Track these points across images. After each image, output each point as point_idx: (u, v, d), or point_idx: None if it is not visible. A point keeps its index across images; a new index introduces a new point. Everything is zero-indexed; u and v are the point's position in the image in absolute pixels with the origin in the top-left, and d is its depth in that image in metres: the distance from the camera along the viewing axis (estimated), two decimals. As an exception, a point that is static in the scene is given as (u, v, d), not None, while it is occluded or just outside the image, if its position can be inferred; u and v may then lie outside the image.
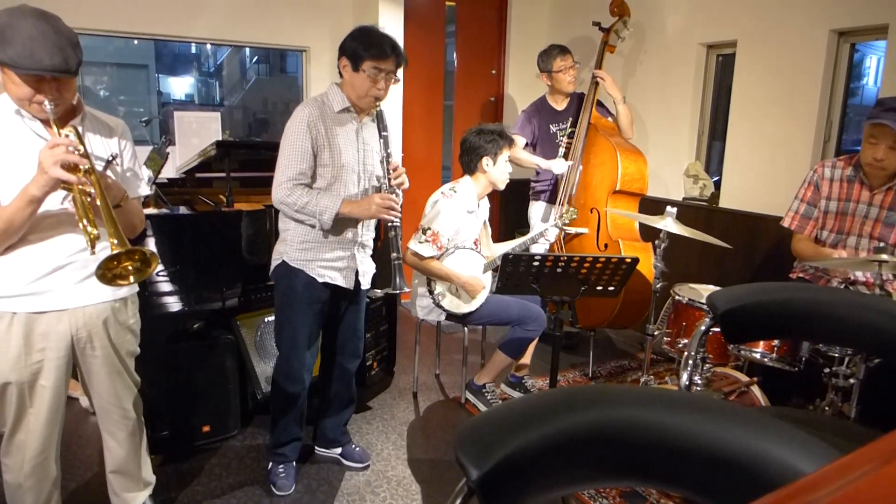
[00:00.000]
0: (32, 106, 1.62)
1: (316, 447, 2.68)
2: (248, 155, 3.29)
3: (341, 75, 2.27)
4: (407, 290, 2.31)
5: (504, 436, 0.72)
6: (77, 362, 1.84)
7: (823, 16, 3.20)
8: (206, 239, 2.68)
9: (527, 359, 3.25)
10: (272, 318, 2.99)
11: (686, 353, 1.55)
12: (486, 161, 2.93)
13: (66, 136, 1.62)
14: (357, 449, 2.65)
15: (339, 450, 2.64)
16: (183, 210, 2.83)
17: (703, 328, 1.49)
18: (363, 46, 2.18)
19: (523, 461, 0.72)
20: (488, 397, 3.11)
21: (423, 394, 3.32)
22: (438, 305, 2.95)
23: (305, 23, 4.41)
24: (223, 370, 2.69)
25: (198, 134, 3.84)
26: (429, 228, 2.87)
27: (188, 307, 2.58)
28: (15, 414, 1.74)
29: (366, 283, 2.45)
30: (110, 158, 1.76)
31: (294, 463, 2.50)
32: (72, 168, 1.56)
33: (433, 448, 2.80)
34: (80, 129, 1.70)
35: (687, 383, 1.53)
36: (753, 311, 1.37)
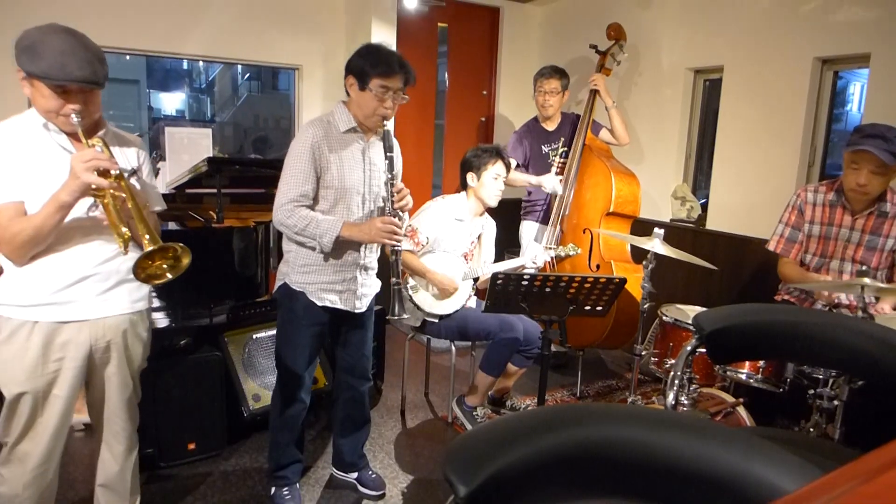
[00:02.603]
0: (60, 118, 1.68)
1: (333, 470, 2.65)
2: (239, 171, 3.29)
3: (348, 94, 2.22)
4: (406, 316, 2.28)
5: (492, 453, 0.73)
6: (88, 374, 1.85)
7: (808, 44, 3.28)
8: (195, 255, 2.66)
9: (509, 381, 3.24)
10: (260, 334, 2.98)
11: (672, 374, 1.56)
12: (469, 176, 3.03)
13: (94, 145, 1.69)
14: (374, 476, 2.60)
15: (355, 474, 2.60)
16: (173, 226, 2.82)
17: (688, 348, 1.51)
18: (370, 64, 2.12)
19: (511, 478, 0.72)
20: (477, 419, 3.10)
21: (411, 412, 3.31)
22: (412, 302, 2.97)
23: (298, 41, 4.45)
24: (210, 387, 2.67)
25: (188, 150, 3.83)
26: (409, 225, 2.96)
27: (176, 323, 2.56)
28: (25, 424, 1.75)
29: (362, 306, 2.36)
30: (134, 170, 1.81)
31: (297, 485, 2.47)
32: (103, 173, 1.62)
33: (421, 466, 2.78)
34: (105, 140, 1.77)
35: (673, 403, 1.54)
36: (738, 332, 1.38)
